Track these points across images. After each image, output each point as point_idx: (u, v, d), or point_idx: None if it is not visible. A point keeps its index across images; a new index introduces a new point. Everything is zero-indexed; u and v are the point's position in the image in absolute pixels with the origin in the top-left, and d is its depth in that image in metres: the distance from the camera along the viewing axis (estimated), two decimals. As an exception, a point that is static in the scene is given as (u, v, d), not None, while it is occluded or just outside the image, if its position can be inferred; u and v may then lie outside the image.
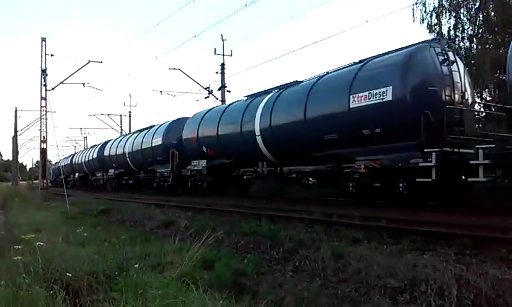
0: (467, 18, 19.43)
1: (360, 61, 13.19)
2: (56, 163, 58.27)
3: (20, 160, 67.09)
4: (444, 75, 11.56)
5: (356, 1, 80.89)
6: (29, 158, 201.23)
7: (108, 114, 47.71)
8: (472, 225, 7.68)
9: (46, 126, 28.23)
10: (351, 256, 6.42)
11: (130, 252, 6.39)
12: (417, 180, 10.76)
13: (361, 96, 12.00)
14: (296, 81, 16.25)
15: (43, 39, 27.71)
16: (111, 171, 33.55)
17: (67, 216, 14.34)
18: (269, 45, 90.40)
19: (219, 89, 30.42)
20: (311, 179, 16.43)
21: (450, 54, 12.10)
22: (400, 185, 11.26)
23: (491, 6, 18.39)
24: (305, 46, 62.79)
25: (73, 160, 47.84)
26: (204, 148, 20.14)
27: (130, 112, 48.50)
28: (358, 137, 12.14)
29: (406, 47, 12.08)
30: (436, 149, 10.36)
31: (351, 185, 12.85)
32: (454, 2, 19.64)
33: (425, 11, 20.41)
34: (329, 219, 9.77)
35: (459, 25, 19.38)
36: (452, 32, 19.43)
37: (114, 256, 5.97)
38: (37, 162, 59.69)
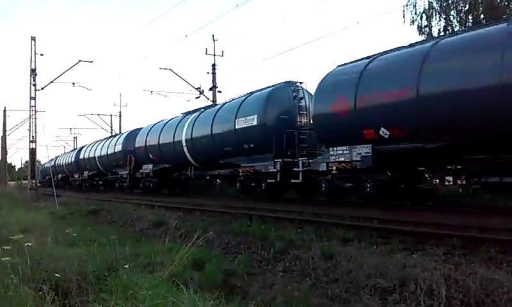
0: (457, 20, 19.59)
1: (245, 95, 17.98)
2: (45, 164, 58.19)
3: (8, 160, 66.59)
4: (295, 106, 16.07)
5: (348, 2, 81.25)
6: (18, 158, 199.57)
7: (98, 114, 47.58)
8: (461, 226, 7.75)
9: (35, 126, 28.11)
10: (341, 256, 6.45)
11: (120, 252, 6.35)
12: (268, 180, 15.59)
13: (241, 121, 16.73)
14: (212, 105, 22.82)
15: (33, 39, 27.55)
16: (85, 173, 37.46)
17: (56, 216, 14.22)
18: (261, 46, 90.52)
19: (210, 89, 30.37)
20: (218, 180, 20.97)
21: (301, 91, 16.39)
22: (263, 184, 15.96)
23: (480, 8, 18.57)
24: (296, 46, 62.87)
25: (56, 162, 49.96)
26: (150, 155, 24.86)
27: (120, 112, 48.37)
28: (242, 149, 16.71)
29: (272, 86, 16.70)
30: (279, 160, 14.98)
31: (238, 184, 17.74)
32: (444, 4, 19.80)
33: (415, 13, 20.57)
34: (320, 219, 9.80)
35: (449, 27, 19.53)
36: (442, 34, 19.57)
37: (103, 257, 5.92)
38: (26, 162, 59.15)
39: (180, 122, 22.44)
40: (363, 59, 12.72)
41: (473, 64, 9.63)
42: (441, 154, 10.53)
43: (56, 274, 4.74)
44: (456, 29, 19.25)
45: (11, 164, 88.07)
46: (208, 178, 20.90)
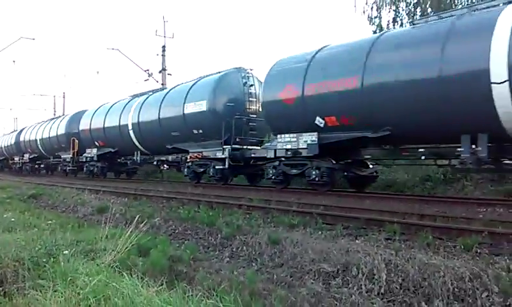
0: (406, 12, 20.14)
1: (195, 79, 17.98)
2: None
3: None
4: (244, 93, 16.15)
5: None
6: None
7: (41, 95, 45.76)
8: (402, 212, 8.02)
9: (-29, 106, 26.51)
10: (287, 241, 6.52)
11: (61, 238, 6.13)
12: (216, 167, 15.81)
13: (191, 106, 16.79)
14: (161, 88, 22.53)
15: (-31, 12, 25.87)
16: (26, 156, 35.98)
17: (-7, 201, 13.54)
18: (214, 29, 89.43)
19: (160, 72, 29.81)
20: (165, 165, 20.21)
21: (251, 78, 16.43)
22: (211, 170, 16.06)
23: (428, 1, 19.16)
24: (249, 32, 62.58)
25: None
26: (95, 138, 24.43)
27: (64, 93, 46.64)
28: (190, 135, 16.86)
29: (222, 72, 16.68)
30: (227, 146, 15.17)
31: (186, 170, 17.71)
32: (394, -5, 20.29)
33: (366, 3, 20.95)
34: (268, 206, 9.87)
35: (398, 19, 20.05)
36: (391, 25, 20.10)
37: (43, 243, 5.71)
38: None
39: (126, 105, 21.89)
40: (311, 51, 13.03)
41: (413, 57, 10.10)
42: (382, 143, 11.07)
43: (-10, 260, 4.52)
44: (404, 21, 19.85)
45: None
46: (155, 163, 20.60)
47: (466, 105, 9.01)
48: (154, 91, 21.61)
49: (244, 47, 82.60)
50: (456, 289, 4.55)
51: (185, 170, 17.72)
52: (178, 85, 19.53)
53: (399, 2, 20.33)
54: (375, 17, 20.75)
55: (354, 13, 21.65)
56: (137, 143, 20.79)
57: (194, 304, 3.90)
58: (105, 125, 23.08)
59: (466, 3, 17.39)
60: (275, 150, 13.34)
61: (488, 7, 9.49)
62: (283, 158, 13.19)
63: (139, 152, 21.13)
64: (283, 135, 13.02)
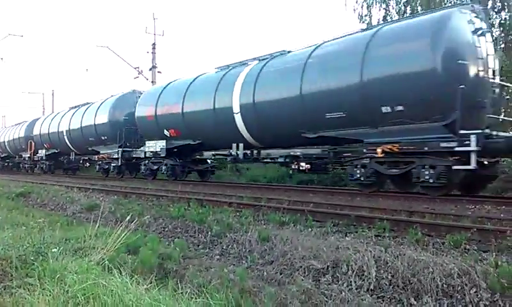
0: (396, 11, 20.18)
1: (103, 99, 24.40)
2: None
3: None
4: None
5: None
6: None
7: (29, 92, 45.44)
8: (392, 209, 8.07)
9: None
10: (277, 238, 6.52)
11: (49, 236, 6.07)
12: (113, 164, 22.34)
13: (99, 118, 23.19)
14: (89, 103, 26.18)
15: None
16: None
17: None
18: (204, 26, 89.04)
19: (150, 69, 29.68)
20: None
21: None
22: (112, 165, 22.56)
23: (418, 0, 19.22)
24: (238, 29, 62.40)
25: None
26: (43, 141, 30.06)
27: (53, 90, 46.30)
28: (100, 140, 23.33)
29: (120, 94, 23.61)
30: (120, 149, 21.42)
31: (97, 166, 24.87)
32: (385, -7, 20.33)
33: (356, 2, 20.97)
34: (258, 203, 9.86)
35: (388, 17, 20.07)
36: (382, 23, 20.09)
37: (31, 241, 5.65)
38: None
39: (64, 115, 27.69)
40: (164, 85, 19.80)
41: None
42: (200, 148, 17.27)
43: (-23, 259, 4.47)
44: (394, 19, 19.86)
45: None
46: (81, 161, 27.77)
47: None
48: (82, 105, 26.75)
49: (233, 43, 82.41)
50: (444, 285, 4.58)
51: (97, 167, 24.49)
52: (94, 102, 25.30)
53: (389, 1, 20.39)
54: (365, 15, 20.79)
55: (345, 11, 21.67)
56: (70, 145, 26.48)
57: (184, 302, 3.89)
58: (50, 131, 28.81)
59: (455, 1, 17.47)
60: (144, 152, 19.36)
61: None
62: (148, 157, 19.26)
63: (73, 153, 27.02)
64: (148, 141, 19.09)
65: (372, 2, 20.55)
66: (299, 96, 12.26)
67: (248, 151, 14.96)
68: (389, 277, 4.96)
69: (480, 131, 9.22)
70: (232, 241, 7.11)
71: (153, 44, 29.50)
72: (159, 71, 29.65)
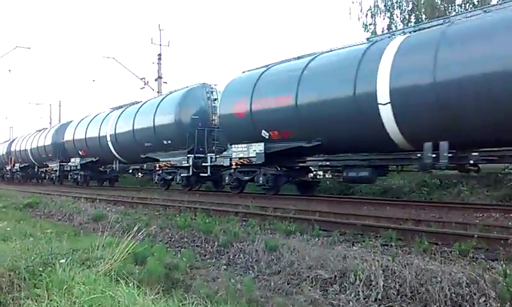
0: (400, 19, 20.26)
1: (164, 94, 20.56)
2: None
3: None
4: (209, 107, 17.74)
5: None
6: None
7: (36, 104, 45.95)
8: (399, 218, 8.03)
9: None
10: (284, 248, 6.50)
11: (57, 247, 6.08)
12: (181, 174, 17.70)
13: (160, 118, 18.63)
14: (136, 102, 22.95)
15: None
16: (17, 165, 37.07)
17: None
18: (210, 37, 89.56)
19: (156, 79, 29.86)
20: (140, 173, 22.12)
21: (215, 92, 17.73)
22: (178, 177, 17.97)
23: (422, 8, 19.28)
24: (244, 38, 62.70)
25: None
26: (78, 148, 26.15)
27: (60, 101, 46.70)
28: (160, 145, 18.54)
29: (188, 87, 18.42)
30: (191, 155, 17.13)
31: (156, 177, 19.64)
32: (389, 3, 20.44)
33: (361, 11, 21.09)
34: (264, 213, 9.86)
35: (393, 26, 20.15)
36: (385, 32, 20.16)
37: (39, 252, 5.67)
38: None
39: (105, 117, 23.81)
40: (261, 67, 14.73)
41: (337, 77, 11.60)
42: (315, 152, 12.61)
43: (-14, 270, 4.49)
44: (398, 28, 19.89)
45: None
46: (130, 171, 22.87)
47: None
48: (130, 105, 23.04)
49: (239, 53, 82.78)
50: (453, 294, 4.54)
51: (156, 177, 19.63)
52: (150, 99, 21.95)
53: (394, 10, 20.46)
54: (370, 24, 20.91)
55: (349, 19, 21.79)
56: (115, 153, 22.62)
57: (191, 312, 3.89)
58: (87, 136, 24.95)
59: (459, 10, 17.49)
60: (230, 158, 15.04)
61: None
62: (235, 166, 14.78)
63: (117, 161, 23.02)
64: (236, 145, 14.77)
65: (377, 11, 20.63)
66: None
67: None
68: (397, 286, 4.92)
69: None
70: (239, 251, 7.09)
71: (159, 55, 29.71)
72: (164, 82, 29.85)
